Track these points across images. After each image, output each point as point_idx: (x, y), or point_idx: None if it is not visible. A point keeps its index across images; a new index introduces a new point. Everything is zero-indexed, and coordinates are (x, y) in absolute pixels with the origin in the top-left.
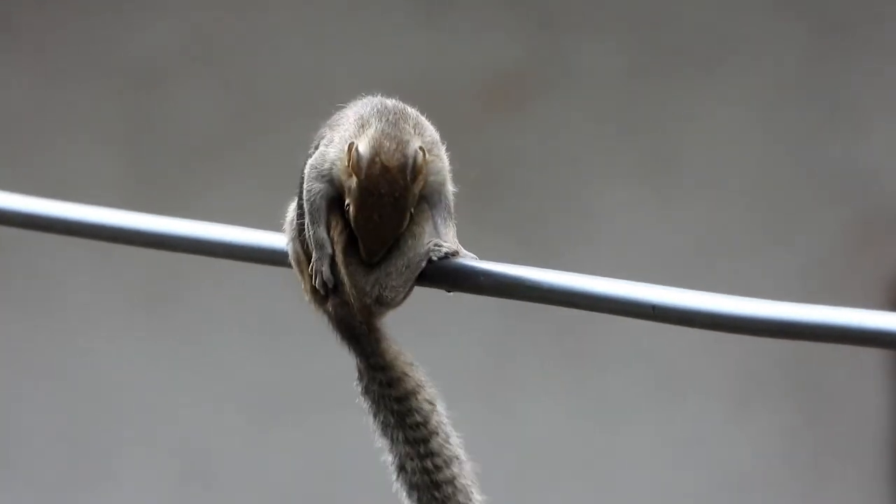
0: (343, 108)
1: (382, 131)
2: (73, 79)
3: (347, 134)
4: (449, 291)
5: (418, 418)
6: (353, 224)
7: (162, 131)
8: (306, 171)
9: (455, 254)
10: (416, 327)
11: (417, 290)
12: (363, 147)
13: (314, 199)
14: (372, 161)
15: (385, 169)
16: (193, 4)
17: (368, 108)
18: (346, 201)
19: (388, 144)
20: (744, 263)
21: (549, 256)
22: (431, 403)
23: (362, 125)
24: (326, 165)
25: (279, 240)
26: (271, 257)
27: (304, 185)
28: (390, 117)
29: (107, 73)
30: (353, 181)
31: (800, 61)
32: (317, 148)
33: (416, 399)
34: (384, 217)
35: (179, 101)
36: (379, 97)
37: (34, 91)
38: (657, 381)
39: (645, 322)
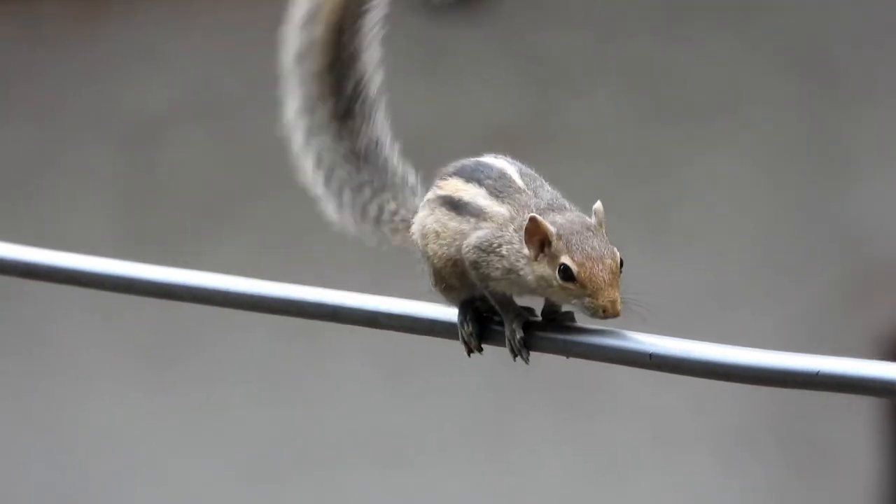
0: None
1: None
2: (72, 135)
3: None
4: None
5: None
6: None
7: (159, 188)
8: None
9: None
10: (417, 380)
11: (417, 339)
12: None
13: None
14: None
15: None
16: (192, 62)
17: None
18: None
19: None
20: (741, 315)
21: None
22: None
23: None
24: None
25: (276, 288)
26: (266, 304)
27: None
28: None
29: (105, 130)
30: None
31: (797, 116)
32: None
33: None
34: None
35: (177, 158)
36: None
37: (33, 148)
38: (652, 435)
39: (641, 376)
